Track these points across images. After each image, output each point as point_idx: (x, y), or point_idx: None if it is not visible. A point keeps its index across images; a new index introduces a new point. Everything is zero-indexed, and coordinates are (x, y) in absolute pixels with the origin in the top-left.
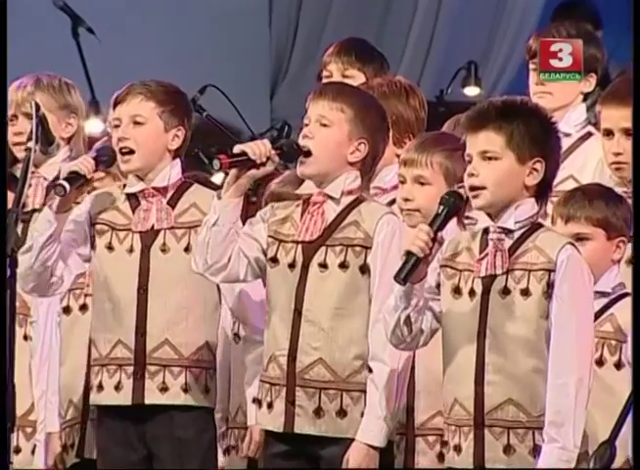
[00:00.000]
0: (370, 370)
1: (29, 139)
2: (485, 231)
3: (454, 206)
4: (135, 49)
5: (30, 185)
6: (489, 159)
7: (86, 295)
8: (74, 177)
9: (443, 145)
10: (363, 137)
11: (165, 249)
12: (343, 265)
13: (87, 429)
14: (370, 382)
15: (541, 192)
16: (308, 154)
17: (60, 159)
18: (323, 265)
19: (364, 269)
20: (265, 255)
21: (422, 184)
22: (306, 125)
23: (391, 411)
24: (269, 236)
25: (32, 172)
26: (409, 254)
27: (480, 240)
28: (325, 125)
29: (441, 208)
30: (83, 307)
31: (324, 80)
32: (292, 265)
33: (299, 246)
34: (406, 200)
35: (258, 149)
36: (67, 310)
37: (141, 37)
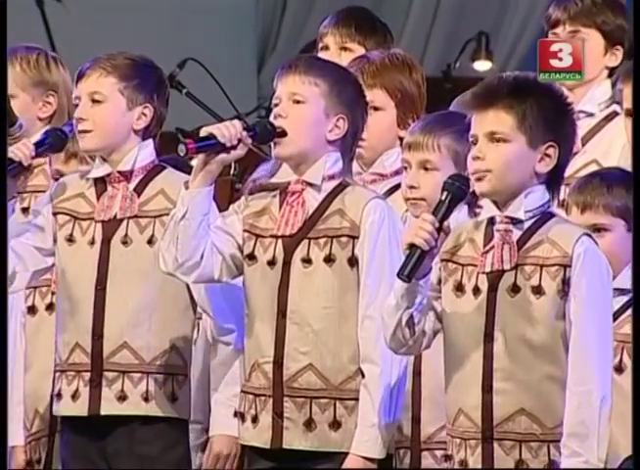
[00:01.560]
0: (363, 375)
1: None
2: (491, 221)
3: (459, 191)
4: (109, 20)
5: None
6: (497, 141)
7: (53, 293)
8: (8, 165)
9: (452, 126)
10: (341, 112)
11: (127, 240)
12: (329, 259)
13: (55, 442)
14: (362, 387)
15: (553, 179)
16: (283, 134)
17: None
18: (306, 261)
19: (352, 262)
20: (241, 251)
21: (428, 170)
22: (276, 105)
23: (388, 418)
24: (245, 230)
25: None
26: (412, 246)
27: (485, 231)
28: (298, 102)
29: (445, 193)
30: (50, 307)
31: (320, 54)
32: (271, 262)
33: (279, 240)
34: (411, 187)
35: (228, 131)
36: (32, 310)
37: (116, 7)
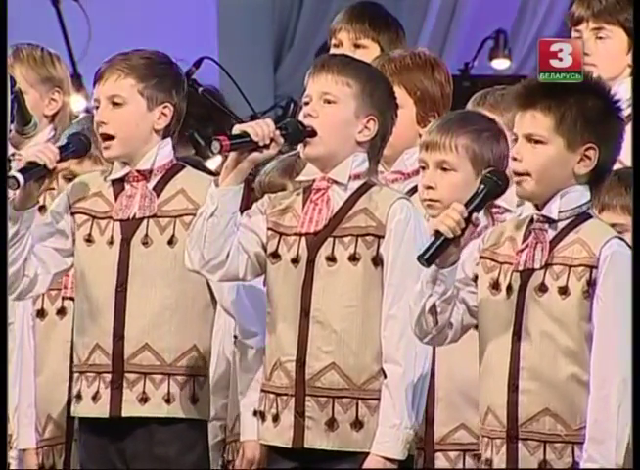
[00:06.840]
0: (385, 375)
1: None
2: (532, 220)
3: (495, 186)
4: (125, 18)
5: (10, 168)
6: (535, 142)
7: (64, 297)
8: (32, 168)
9: (470, 125)
10: (371, 114)
11: (147, 241)
12: (354, 258)
13: (72, 450)
14: (384, 387)
15: (595, 179)
16: (313, 134)
17: (44, 139)
18: (331, 259)
19: (377, 261)
20: (266, 250)
21: (445, 170)
22: (306, 104)
23: (409, 419)
24: (269, 229)
25: (12, 154)
26: (437, 233)
27: (525, 230)
28: (329, 102)
29: (482, 186)
30: (61, 312)
31: (332, 50)
32: (295, 261)
33: (303, 238)
34: (428, 188)
35: (261, 130)
36: (41, 314)
37: (132, 5)
